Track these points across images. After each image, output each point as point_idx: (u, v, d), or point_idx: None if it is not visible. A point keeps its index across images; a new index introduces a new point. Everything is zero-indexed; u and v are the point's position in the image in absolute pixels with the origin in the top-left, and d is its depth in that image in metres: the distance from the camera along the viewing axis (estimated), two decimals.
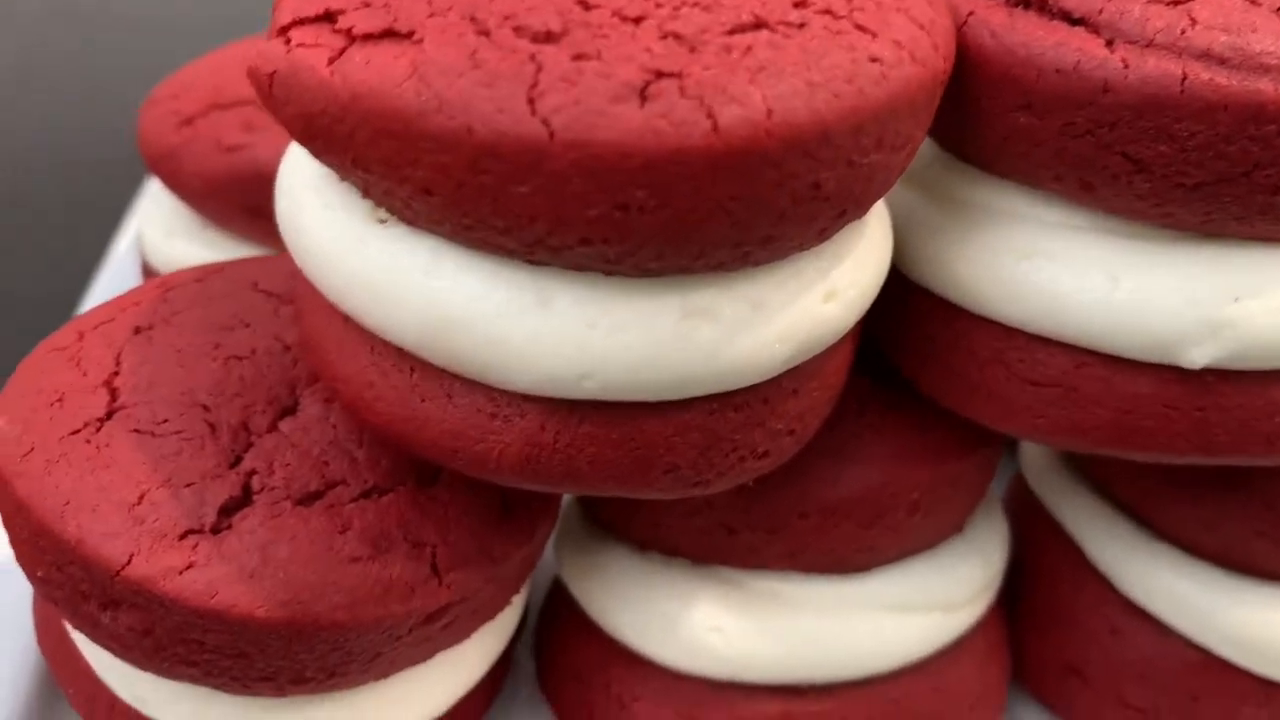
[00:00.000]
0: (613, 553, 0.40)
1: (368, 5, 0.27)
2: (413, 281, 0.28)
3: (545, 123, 0.24)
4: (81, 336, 0.35)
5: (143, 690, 0.34)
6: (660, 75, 0.25)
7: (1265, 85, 0.28)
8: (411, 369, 0.30)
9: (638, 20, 0.26)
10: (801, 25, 0.26)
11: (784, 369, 0.30)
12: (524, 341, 0.28)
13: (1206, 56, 0.29)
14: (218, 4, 1.01)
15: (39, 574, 0.32)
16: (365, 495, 0.32)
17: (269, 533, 0.31)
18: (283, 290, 0.37)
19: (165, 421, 0.32)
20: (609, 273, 0.27)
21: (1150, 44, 0.29)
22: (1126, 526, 0.41)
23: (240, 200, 0.46)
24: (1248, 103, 0.28)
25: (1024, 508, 0.45)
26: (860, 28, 0.27)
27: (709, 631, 0.37)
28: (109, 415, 0.32)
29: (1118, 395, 0.33)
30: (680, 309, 0.28)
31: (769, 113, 0.25)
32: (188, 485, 0.31)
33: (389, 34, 0.26)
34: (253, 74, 0.28)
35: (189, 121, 0.47)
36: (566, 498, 0.43)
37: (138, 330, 0.35)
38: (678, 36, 0.25)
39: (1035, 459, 0.46)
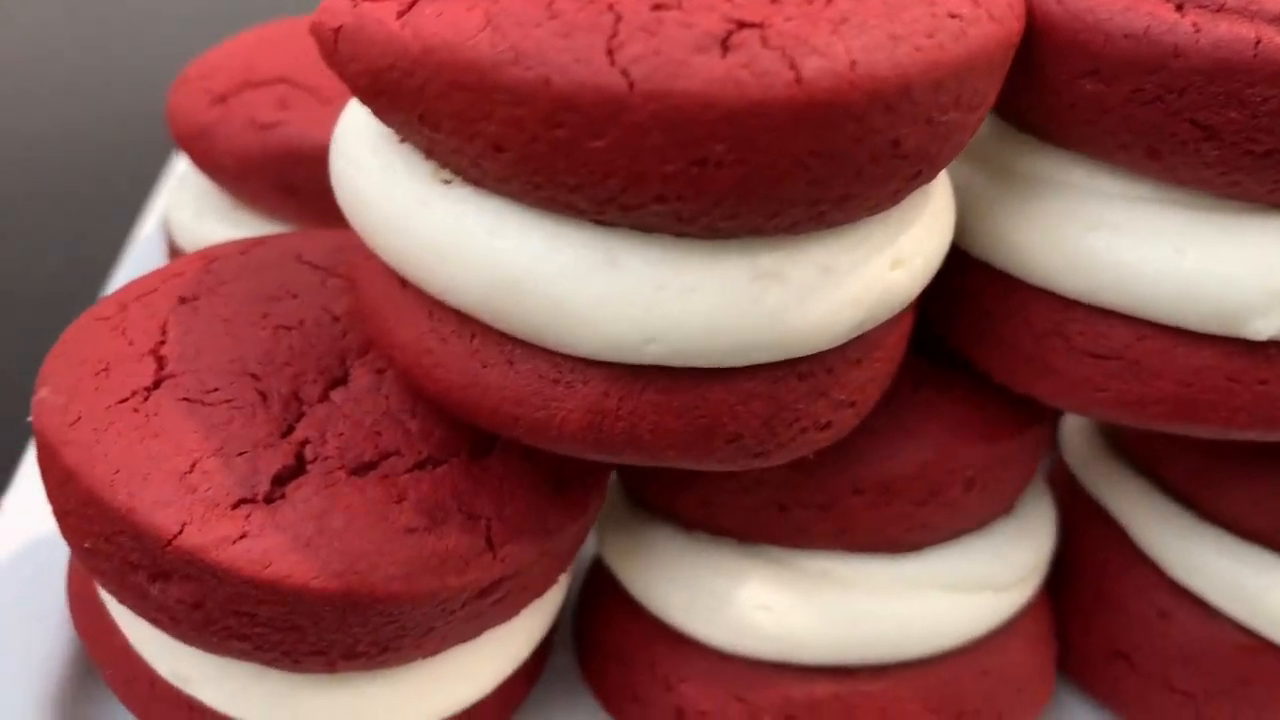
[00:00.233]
0: (657, 533, 0.39)
1: None
2: (477, 243, 0.28)
3: (625, 73, 0.24)
4: (125, 307, 0.34)
5: (186, 667, 0.34)
6: (742, 25, 0.24)
7: None
8: (472, 335, 0.29)
9: None
10: None
11: (850, 336, 0.29)
12: (591, 303, 0.27)
13: None
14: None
15: (86, 545, 0.31)
16: (419, 466, 0.32)
17: (324, 502, 0.30)
18: (328, 263, 0.37)
19: (215, 390, 0.32)
20: (679, 233, 0.27)
21: (1222, 8, 0.29)
22: (1174, 509, 0.41)
23: (274, 178, 0.45)
24: None
25: (1066, 492, 0.45)
26: None
27: (757, 610, 0.36)
28: (156, 384, 0.32)
29: (1179, 368, 0.32)
30: (750, 272, 0.27)
31: (852, 65, 0.24)
32: (240, 454, 0.30)
33: None
34: (316, 30, 0.27)
35: (222, 100, 0.46)
36: None
37: (183, 300, 0.34)
38: None
39: (1077, 443, 0.45)
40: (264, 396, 0.32)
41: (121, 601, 0.32)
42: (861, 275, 0.29)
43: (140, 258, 0.53)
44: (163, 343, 0.33)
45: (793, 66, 0.24)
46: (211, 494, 0.30)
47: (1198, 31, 0.29)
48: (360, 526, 0.30)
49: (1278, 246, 0.31)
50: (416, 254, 0.29)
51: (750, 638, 0.36)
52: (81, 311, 0.35)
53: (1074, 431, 0.46)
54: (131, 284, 0.36)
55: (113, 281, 0.52)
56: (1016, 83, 0.31)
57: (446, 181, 0.28)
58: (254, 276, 0.35)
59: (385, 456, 0.32)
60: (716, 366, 0.29)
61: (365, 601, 0.30)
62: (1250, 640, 0.39)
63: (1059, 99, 0.31)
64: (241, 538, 0.29)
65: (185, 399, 0.31)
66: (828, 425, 0.31)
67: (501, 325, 0.28)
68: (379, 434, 0.32)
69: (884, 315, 0.30)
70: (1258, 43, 0.28)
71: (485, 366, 0.29)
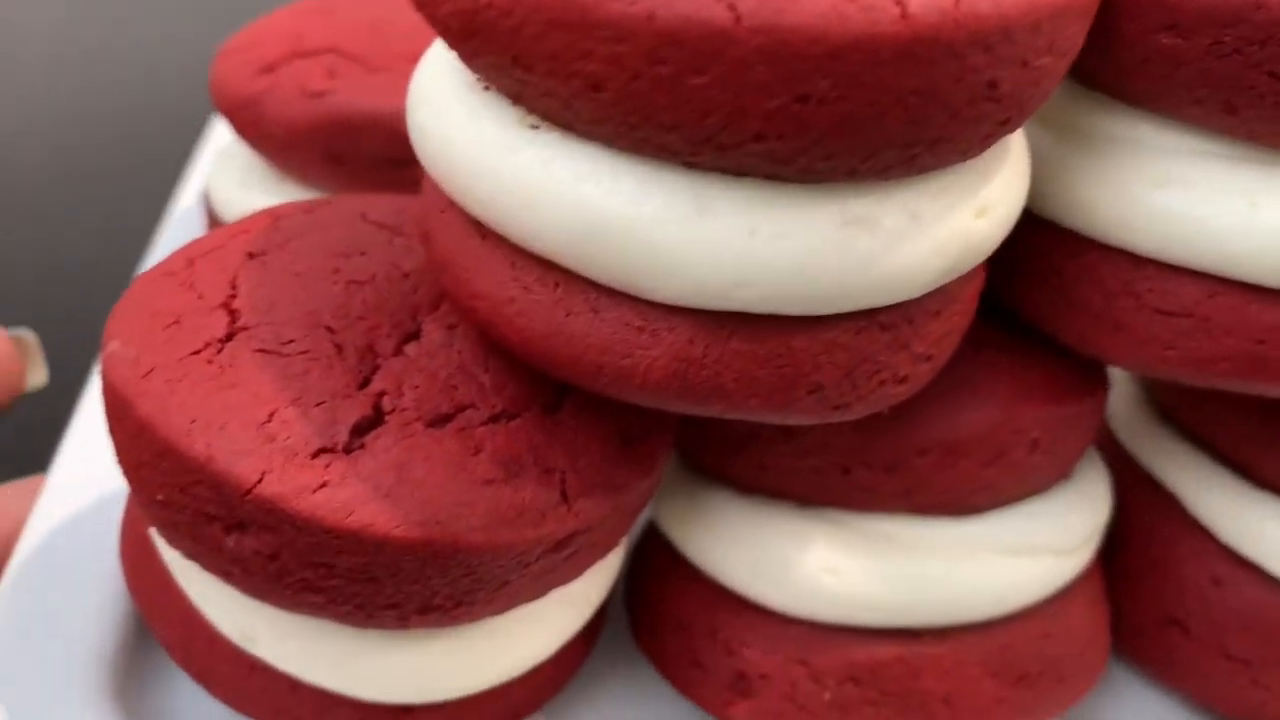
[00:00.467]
0: (714, 497, 0.39)
1: None
2: (565, 188, 0.28)
3: (731, 7, 0.24)
4: (192, 262, 0.34)
5: (252, 625, 0.34)
6: None
7: None
8: (556, 283, 0.29)
9: None
10: None
11: (935, 286, 0.29)
12: (681, 247, 0.27)
13: None
14: None
15: (159, 498, 0.31)
16: (494, 419, 0.32)
17: (403, 453, 0.30)
18: (393, 222, 0.36)
19: (290, 342, 0.31)
20: (771, 176, 0.27)
21: None
22: (1226, 475, 0.41)
23: (323, 147, 0.45)
24: None
25: (1113, 461, 0.45)
26: None
27: (823, 573, 0.36)
28: (230, 336, 0.32)
29: (1251, 324, 0.32)
30: (839, 217, 0.27)
31: (956, 2, 0.24)
32: (318, 404, 0.30)
33: None
34: None
35: (270, 69, 0.46)
36: None
37: (251, 255, 0.34)
38: None
39: (1125, 413, 0.45)
40: (339, 349, 0.31)
41: (191, 556, 0.32)
42: (948, 223, 0.29)
43: (178, 231, 0.53)
44: (233, 296, 0.33)
45: (898, 2, 0.24)
46: (291, 443, 0.29)
47: None
48: (440, 478, 0.30)
49: None
50: (503, 201, 0.28)
51: (816, 600, 0.36)
52: (120, 286, 0.34)
53: (1121, 401, 0.46)
54: (195, 242, 0.36)
55: (150, 255, 0.51)
56: (1089, 39, 0.31)
57: (534, 127, 0.28)
58: (321, 233, 0.35)
59: (461, 409, 0.31)
60: (802, 314, 0.28)
61: (446, 552, 0.29)
62: None
63: (1133, 54, 0.31)
64: (322, 486, 0.29)
65: (260, 350, 0.31)
66: (905, 379, 0.31)
67: (588, 272, 0.28)
68: (454, 388, 0.32)
69: (967, 265, 0.30)
70: None
71: (569, 315, 0.29)
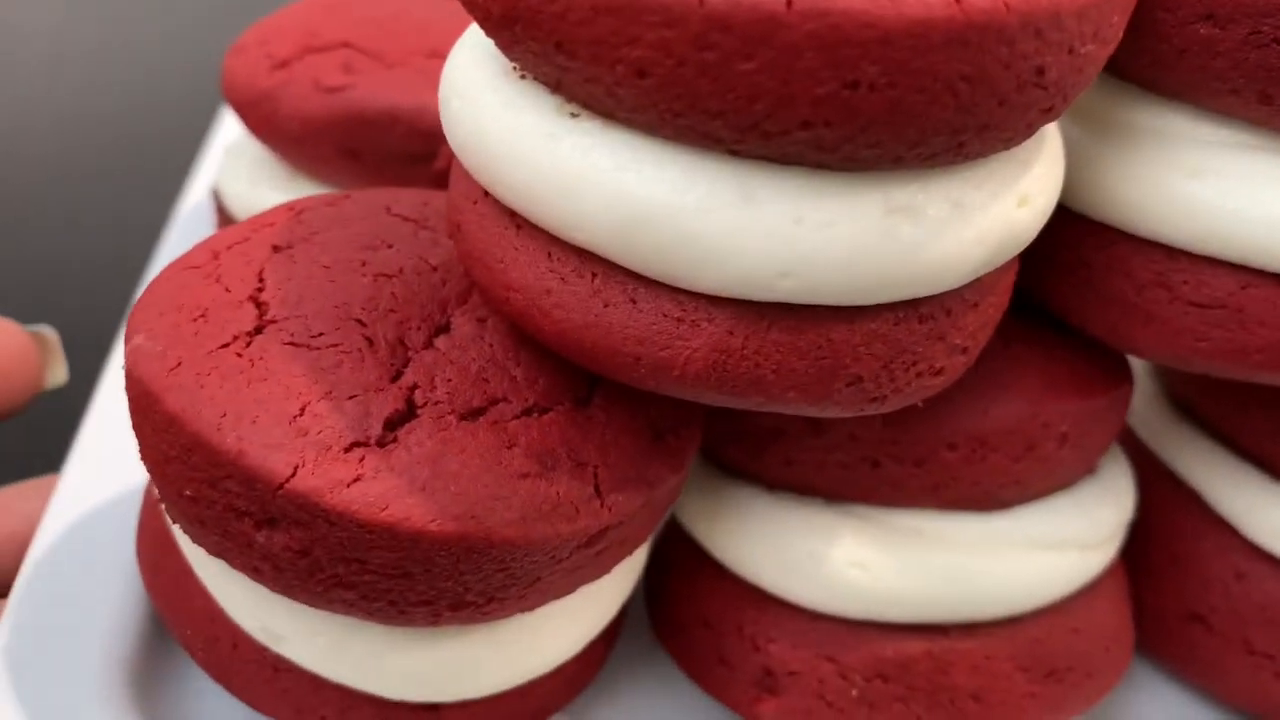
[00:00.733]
0: (739, 493, 0.39)
1: None
2: (607, 177, 0.27)
3: None
4: (217, 255, 0.34)
5: (278, 624, 0.33)
6: None
7: None
8: (593, 274, 0.29)
9: None
10: None
11: (975, 275, 0.29)
12: (724, 237, 0.27)
13: None
14: None
15: (187, 493, 0.30)
16: (527, 413, 0.31)
17: (437, 446, 0.30)
18: (417, 215, 0.36)
19: (320, 335, 0.31)
20: (816, 164, 0.27)
21: None
22: (1248, 471, 0.41)
23: (339, 142, 0.44)
24: None
25: (1132, 457, 0.45)
26: None
27: (852, 568, 0.36)
28: (258, 329, 0.31)
29: None
30: (883, 206, 0.27)
31: None
32: (350, 398, 0.30)
33: None
34: None
35: (284, 65, 0.46)
36: None
37: (276, 248, 0.34)
38: None
39: (1144, 409, 0.45)
40: (370, 342, 0.31)
41: (218, 553, 0.31)
42: (990, 212, 0.28)
43: (187, 228, 0.52)
44: (261, 289, 0.32)
45: None
46: (324, 437, 0.29)
47: None
48: (475, 471, 0.30)
49: None
50: (541, 190, 0.28)
51: (845, 596, 0.36)
52: (129, 283, 0.34)
53: (1140, 397, 0.46)
54: (217, 235, 0.35)
55: (160, 253, 0.51)
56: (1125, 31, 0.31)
57: (574, 115, 0.28)
58: (346, 227, 0.35)
59: (493, 403, 0.31)
60: (844, 304, 0.28)
61: (482, 546, 0.29)
62: None
63: (1169, 44, 0.31)
64: (356, 480, 0.29)
65: (290, 343, 0.31)
66: (940, 371, 0.31)
67: (628, 262, 0.28)
68: (486, 381, 0.31)
69: (1007, 255, 0.30)
70: None
71: (607, 306, 0.29)
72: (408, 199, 0.37)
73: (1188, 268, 0.33)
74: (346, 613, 0.31)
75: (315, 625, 0.33)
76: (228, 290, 0.32)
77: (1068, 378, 0.36)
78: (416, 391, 0.30)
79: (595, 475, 0.31)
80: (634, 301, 0.29)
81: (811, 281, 0.27)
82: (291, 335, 0.31)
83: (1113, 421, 0.38)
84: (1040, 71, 0.26)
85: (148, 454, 0.32)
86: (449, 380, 0.31)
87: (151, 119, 0.78)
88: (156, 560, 0.37)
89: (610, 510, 0.31)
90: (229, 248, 0.34)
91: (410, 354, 0.31)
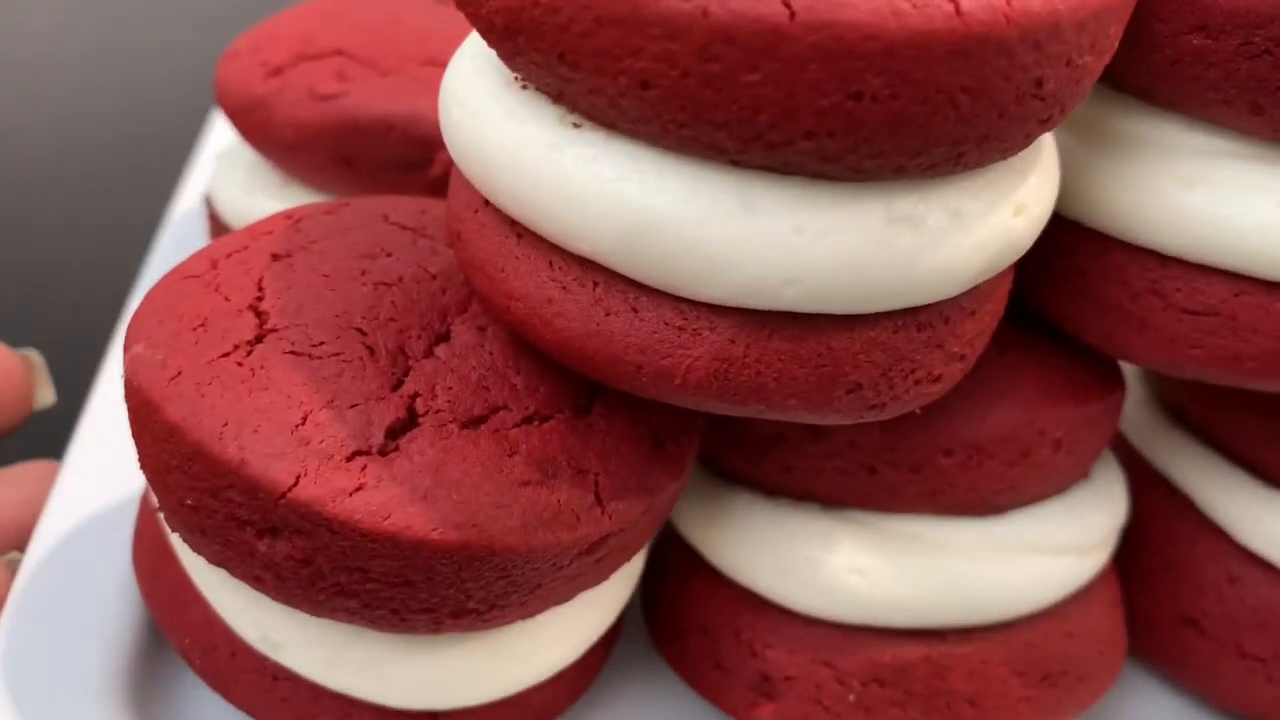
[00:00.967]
0: (736, 499, 0.39)
1: None
2: (609, 187, 0.27)
3: (786, 4, 0.24)
4: (215, 264, 0.34)
5: (278, 632, 0.33)
6: None
7: None
8: (595, 283, 0.29)
9: None
10: None
11: (973, 284, 0.30)
12: (726, 246, 0.27)
13: None
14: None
15: (188, 502, 0.30)
16: (528, 421, 0.31)
17: (438, 455, 0.30)
18: (415, 224, 0.36)
19: (321, 344, 0.31)
20: (817, 174, 0.27)
21: None
22: (1241, 476, 0.41)
23: (333, 149, 0.44)
24: None
25: (1124, 463, 0.45)
26: None
27: (850, 574, 0.36)
28: (259, 338, 0.31)
29: (1278, 322, 0.33)
30: (884, 215, 0.27)
31: (1008, 0, 0.24)
32: (351, 406, 0.30)
33: None
34: None
35: (278, 72, 0.46)
36: None
37: (275, 257, 0.34)
38: None
39: (1136, 416, 0.46)
40: (371, 350, 0.31)
41: (219, 562, 0.31)
42: (988, 221, 0.29)
43: (179, 235, 0.52)
44: (260, 298, 0.32)
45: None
46: (325, 446, 0.29)
47: None
48: (476, 479, 0.30)
49: None
50: (543, 200, 0.28)
51: (842, 602, 0.36)
52: (120, 289, 0.34)
53: (1131, 403, 0.46)
54: (215, 244, 0.35)
55: (153, 258, 0.50)
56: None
57: (576, 125, 0.28)
58: (345, 235, 0.35)
59: (494, 411, 0.31)
60: (845, 313, 0.28)
61: (484, 554, 0.29)
62: None
63: (1162, 55, 0.32)
64: (358, 489, 0.29)
65: (291, 352, 0.31)
66: (938, 378, 0.31)
67: (630, 271, 0.28)
68: (486, 389, 0.31)
69: (1004, 263, 0.30)
70: None
71: (609, 314, 0.29)
72: (406, 207, 0.37)
73: (1181, 275, 0.33)
74: (348, 621, 0.31)
75: (315, 633, 0.33)
76: (227, 299, 0.32)
77: (1062, 384, 0.37)
78: (417, 400, 0.31)
79: (596, 483, 0.31)
80: (636, 310, 0.29)
81: (813, 290, 0.28)
82: (292, 344, 0.31)
83: (1106, 427, 0.38)
84: (1039, 83, 0.26)
85: (147, 463, 0.32)
86: (450, 389, 0.31)
87: (144, 123, 0.77)
88: (153, 569, 0.37)
89: (611, 518, 0.31)
90: (228, 256, 0.34)
91: (411, 362, 0.31)
